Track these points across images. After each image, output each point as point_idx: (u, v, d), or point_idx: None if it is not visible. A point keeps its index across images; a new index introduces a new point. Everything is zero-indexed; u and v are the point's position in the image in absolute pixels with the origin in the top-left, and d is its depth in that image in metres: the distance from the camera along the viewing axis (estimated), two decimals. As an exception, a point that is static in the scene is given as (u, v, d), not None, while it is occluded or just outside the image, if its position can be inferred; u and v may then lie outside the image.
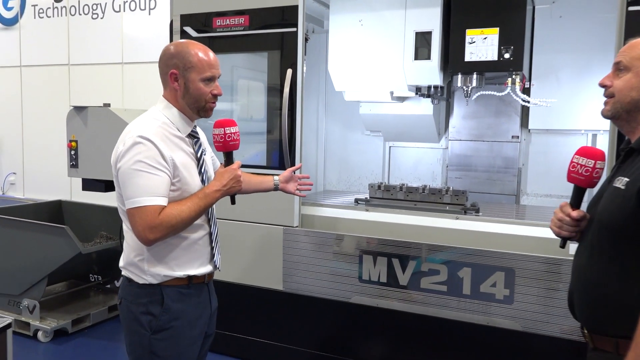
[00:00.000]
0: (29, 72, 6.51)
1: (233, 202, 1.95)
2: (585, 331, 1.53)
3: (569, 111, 3.44)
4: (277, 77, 3.01)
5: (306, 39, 3.24)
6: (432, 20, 3.14)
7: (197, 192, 1.77)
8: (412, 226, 2.85)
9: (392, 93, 3.45)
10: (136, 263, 1.80)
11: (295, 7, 2.92)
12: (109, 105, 3.51)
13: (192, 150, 1.85)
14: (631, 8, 2.28)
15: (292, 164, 2.95)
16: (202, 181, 1.85)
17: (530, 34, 3.40)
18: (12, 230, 3.57)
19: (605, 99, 1.55)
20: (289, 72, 2.94)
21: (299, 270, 2.96)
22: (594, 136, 3.46)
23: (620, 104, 1.50)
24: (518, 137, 3.62)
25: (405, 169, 3.99)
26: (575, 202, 1.62)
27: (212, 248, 1.90)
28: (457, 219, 2.81)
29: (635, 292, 1.39)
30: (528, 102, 3.34)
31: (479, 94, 3.39)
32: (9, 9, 6.59)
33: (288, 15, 2.95)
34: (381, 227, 2.91)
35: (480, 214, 2.88)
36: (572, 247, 1.66)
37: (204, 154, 1.91)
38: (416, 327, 2.74)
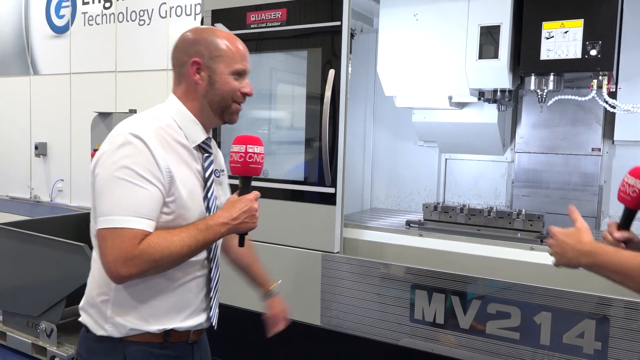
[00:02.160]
0: (77, 79, 6.49)
1: (242, 243, 1.55)
2: None
3: (664, 120, 2.88)
4: (318, 79, 2.62)
5: (352, 36, 2.84)
6: (500, 12, 2.67)
7: (198, 222, 1.38)
8: (475, 257, 2.38)
9: (450, 98, 3.00)
10: (98, 305, 1.39)
11: (340, -2, 2.52)
12: (135, 111, 3.22)
13: (199, 167, 1.46)
14: None
15: (334, 177, 2.55)
16: (208, 209, 1.46)
17: (618, 28, 2.87)
18: (29, 246, 3.33)
19: None
20: (332, 72, 2.54)
21: (340, 304, 2.54)
22: (696, 149, 2.90)
23: None
24: (599, 149, 3.08)
25: (463, 184, 3.50)
26: (624, 224, 1.55)
27: (208, 295, 1.49)
28: (532, 249, 2.32)
29: None
30: (616, 108, 2.81)
31: (556, 98, 2.88)
32: (61, 17, 6.59)
33: (331, 8, 2.55)
34: (438, 256, 2.45)
35: (559, 243, 2.37)
36: None
37: (217, 175, 1.52)
38: (480, 380, 2.26)
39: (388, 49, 2.95)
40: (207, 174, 1.48)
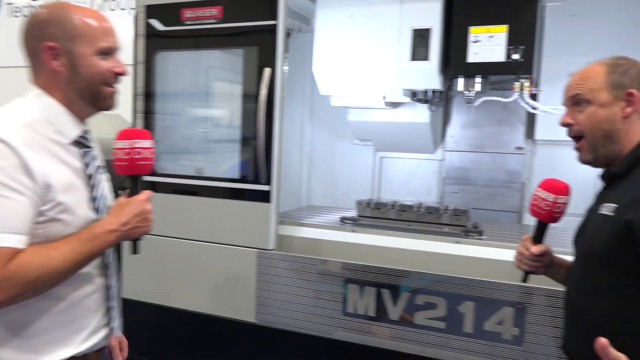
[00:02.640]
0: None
1: (135, 250, 1.40)
2: None
3: (580, 121, 3.09)
4: (254, 77, 2.63)
5: (288, 35, 2.87)
6: (431, 16, 2.77)
7: (82, 232, 1.21)
8: (405, 251, 2.47)
9: (384, 98, 3.09)
10: None
11: (275, -3, 2.55)
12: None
13: (79, 165, 1.30)
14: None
15: (270, 175, 2.57)
16: (97, 210, 1.32)
17: (539, 35, 3.05)
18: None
19: (577, 145, 1.48)
20: (267, 71, 2.56)
21: (275, 300, 2.56)
22: (607, 149, 3.12)
23: (596, 142, 1.42)
24: (522, 148, 3.27)
25: (397, 182, 3.61)
26: (537, 237, 1.58)
27: (108, 306, 1.36)
28: (457, 243, 2.44)
29: (634, 328, 1.30)
30: (537, 109, 2.98)
31: (482, 99, 3.03)
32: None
33: (267, 7, 2.58)
34: (370, 250, 2.53)
35: (483, 237, 2.50)
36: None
37: (100, 172, 1.36)
38: (409, 369, 2.35)
39: (323, 49, 3.01)
40: (90, 171, 1.33)
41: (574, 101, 1.46)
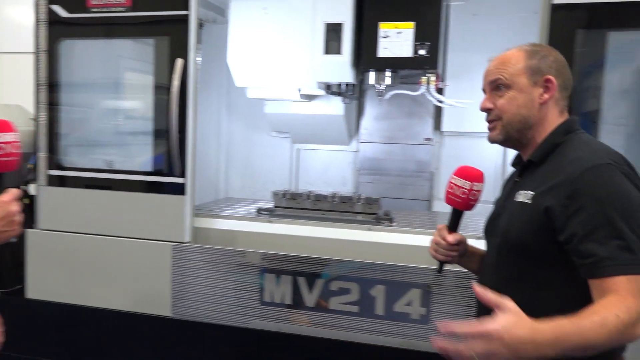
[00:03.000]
0: None
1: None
2: None
3: (482, 113, 3.30)
4: (166, 68, 2.59)
5: (201, 25, 2.84)
6: (343, 11, 2.85)
7: None
8: (320, 239, 2.54)
9: (299, 90, 3.14)
10: None
11: (187, -14, 2.52)
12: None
13: None
14: (555, 1, 2.12)
15: (183, 169, 2.55)
16: None
17: (444, 32, 3.23)
18: None
19: (491, 125, 1.47)
20: (179, 62, 2.53)
21: (191, 293, 2.55)
22: (506, 140, 3.36)
23: (511, 125, 1.43)
24: (431, 139, 3.44)
25: (314, 173, 3.69)
26: (453, 226, 1.57)
27: None
28: (369, 230, 2.54)
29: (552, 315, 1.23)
30: (443, 102, 3.16)
31: (392, 93, 3.16)
32: None
33: (178, -4, 2.54)
34: (286, 240, 2.57)
35: (394, 224, 2.63)
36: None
37: None
38: (324, 353, 2.43)
39: (238, 41, 3.00)
40: None
41: (494, 86, 1.45)
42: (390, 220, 2.64)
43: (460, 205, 1.52)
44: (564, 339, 1.08)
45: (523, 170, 1.47)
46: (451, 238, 1.56)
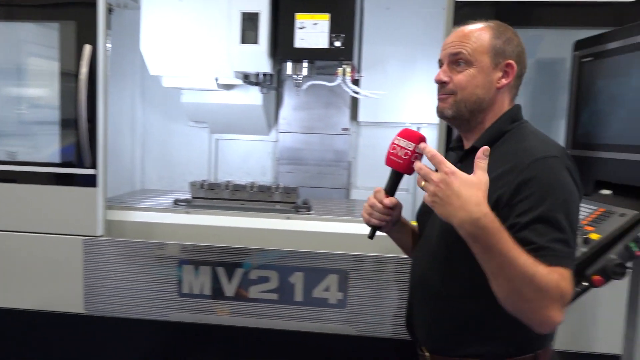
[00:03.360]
0: None
1: None
2: (426, 353, 1.37)
3: (396, 104, 3.44)
4: (73, 54, 2.46)
5: (110, 10, 2.73)
6: (259, 1, 2.85)
7: None
8: (239, 229, 2.54)
9: (217, 80, 3.10)
10: None
11: (94, -32, 2.41)
12: None
13: None
14: (457, -2, 2.25)
15: (94, 160, 2.45)
16: None
17: (359, 24, 3.31)
18: None
19: (442, 95, 1.39)
20: (87, 48, 2.42)
21: (106, 288, 2.47)
22: (419, 129, 3.51)
23: (464, 103, 1.35)
24: (348, 129, 3.53)
25: (233, 164, 3.67)
26: (391, 189, 1.48)
27: None
28: (288, 218, 2.58)
29: (484, 305, 1.26)
30: (358, 93, 3.25)
31: (309, 83, 3.21)
32: None
33: (85, -21, 2.42)
34: (204, 231, 2.55)
35: (312, 212, 2.68)
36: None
37: None
38: (245, 341, 2.45)
39: (151, 28, 2.92)
40: None
41: (453, 59, 1.36)
42: (309, 208, 2.69)
43: (401, 167, 1.42)
44: (493, 233, 1.11)
45: (465, 156, 1.42)
46: (388, 201, 1.45)
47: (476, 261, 1.18)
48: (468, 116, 1.37)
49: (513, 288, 1.13)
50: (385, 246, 2.37)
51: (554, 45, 2.52)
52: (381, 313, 2.36)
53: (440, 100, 1.40)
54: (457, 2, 2.27)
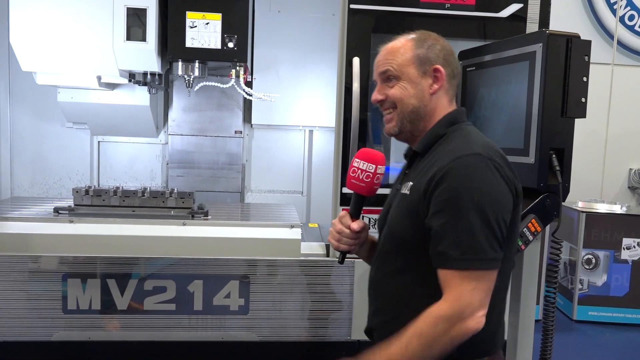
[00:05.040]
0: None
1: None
2: None
3: (288, 107, 3.46)
4: None
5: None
6: (146, -4, 2.71)
7: None
8: (130, 237, 2.38)
9: (99, 78, 2.89)
10: None
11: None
12: None
13: None
14: (352, 6, 2.31)
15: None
16: None
17: (251, 26, 3.29)
18: None
19: (387, 115, 1.40)
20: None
21: (-25, 309, 2.19)
22: (311, 132, 3.57)
23: (404, 116, 1.37)
24: (241, 132, 3.49)
25: (118, 167, 3.45)
26: (356, 212, 1.44)
27: None
28: (184, 225, 2.48)
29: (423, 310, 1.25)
30: (252, 95, 3.22)
31: (201, 84, 3.11)
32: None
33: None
34: (91, 241, 2.36)
35: (209, 217, 2.60)
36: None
37: None
38: (141, 357, 2.31)
39: (22, 20, 2.64)
40: None
41: (384, 77, 1.39)
42: (206, 213, 2.61)
43: (364, 190, 1.39)
44: None
45: (411, 162, 1.44)
46: (355, 225, 1.42)
47: (419, 271, 1.28)
48: (410, 127, 1.39)
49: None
50: (286, 250, 2.39)
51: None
52: (283, 317, 2.35)
53: (386, 121, 1.42)
54: (350, 9, 2.34)
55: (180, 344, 2.30)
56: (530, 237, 1.71)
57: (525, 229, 1.70)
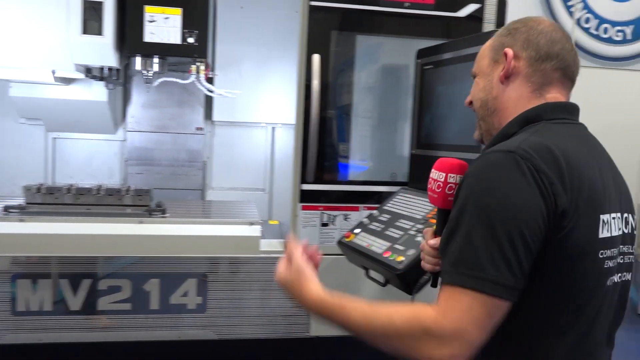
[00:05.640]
0: None
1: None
2: None
3: (251, 103, 3.43)
4: None
5: None
6: (102, -12, 2.64)
7: None
8: (85, 236, 2.32)
9: (54, 73, 2.81)
10: None
11: None
12: None
13: None
14: (312, 3, 2.31)
15: None
16: None
17: (213, 22, 3.24)
18: None
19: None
20: None
21: None
22: (273, 129, 3.55)
23: (477, 114, 1.22)
24: (202, 128, 3.44)
25: (75, 165, 3.35)
26: (437, 228, 1.25)
27: None
28: (141, 223, 2.43)
29: None
30: (213, 92, 3.18)
31: (161, 80, 3.06)
32: None
33: None
34: (43, 240, 2.28)
35: (167, 215, 2.56)
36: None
37: None
38: (95, 358, 2.26)
39: (-29, 10, 2.55)
40: None
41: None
42: (163, 211, 2.56)
43: (437, 201, 1.23)
44: (326, 311, 1.08)
45: None
46: (433, 241, 1.22)
47: None
48: (485, 127, 1.21)
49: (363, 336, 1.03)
50: (245, 247, 2.37)
51: (401, 53, 2.72)
52: (242, 314, 2.34)
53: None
54: (311, 6, 2.33)
55: (136, 344, 2.26)
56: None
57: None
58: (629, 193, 1.16)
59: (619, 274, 1.08)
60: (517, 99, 1.14)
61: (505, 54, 1.14)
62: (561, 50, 1.13)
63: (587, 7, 4.77)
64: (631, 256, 1.12)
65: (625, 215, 1.10)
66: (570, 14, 4.70)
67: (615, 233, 1.05)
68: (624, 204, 1.11)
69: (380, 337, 1.01)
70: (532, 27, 1.15)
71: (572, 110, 1.15)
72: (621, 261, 1.09)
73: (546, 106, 1.12)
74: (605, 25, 4.78)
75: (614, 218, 1.05)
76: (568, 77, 1.16)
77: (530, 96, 1.13)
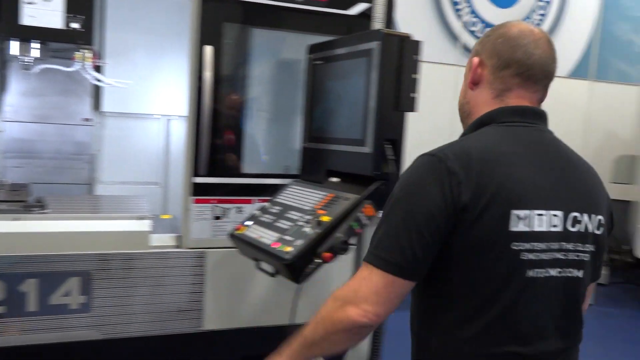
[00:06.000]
0: None
1: None
2: None
3: (145, 94, 3.31)
4: None
5: None
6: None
7: None
8: (-50, 234, 2.13)
9: None
10: None
11: None
12: None
13: None
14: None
15: None
16: None
17: (100, 8, 3.08)
18: None
19: None
20: None
21: None
22: (169, 121, 3.45)
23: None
24: (90, 119, 3.27)
25: (-58, 157, 3.05)
26: None
27: None
28: (16, 219, 2.26)
29: None
30: (101, 81, 3.02)
31: (42, 67, 2.86)
32: None
33: None
34: None
35: (47, 210, 2.40)
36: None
37: None
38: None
39: None
40: None
41: None
42: (43, 207, 2.40)
43: None
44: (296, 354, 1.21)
45: None
46: None
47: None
48: (463, 127, 1.31)
49: (323, 344, 1.20)
50: (133, 242, 2.28)
51: (296, 48, 2.74)
52: (130, 312, 2.26)
53: None
54: (202, -4, 2.29)
55: (12, 350, 2.11)
56: (366, 222, 1.82)
57: (360, 213, 1.79)
58: (592, 195, 1.21)
59: (559, 269, 1.14)
60: (482, 104, 1.23)
61: (471, 62, 1.26)
62: (523, 55, 1.19)
63: (473, 12, 5.11)
64: (582, 254, 1.17)
65: (575, 214, 1.15)
66: (459, 17, 5.01)
67: (544, 228, 1.12)
68: (576, 204, 1.16)
69: (315, 329, 1.18)
70: (500, 35, 1.23)
71: (527, 114, 1.21)
72: (562, 257, 1.14)
73: (499, 110, 1.21)
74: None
75: (540, 215, 1.11)
76: (532, 81, 1.21)
77: (492, 102, 1.23)
